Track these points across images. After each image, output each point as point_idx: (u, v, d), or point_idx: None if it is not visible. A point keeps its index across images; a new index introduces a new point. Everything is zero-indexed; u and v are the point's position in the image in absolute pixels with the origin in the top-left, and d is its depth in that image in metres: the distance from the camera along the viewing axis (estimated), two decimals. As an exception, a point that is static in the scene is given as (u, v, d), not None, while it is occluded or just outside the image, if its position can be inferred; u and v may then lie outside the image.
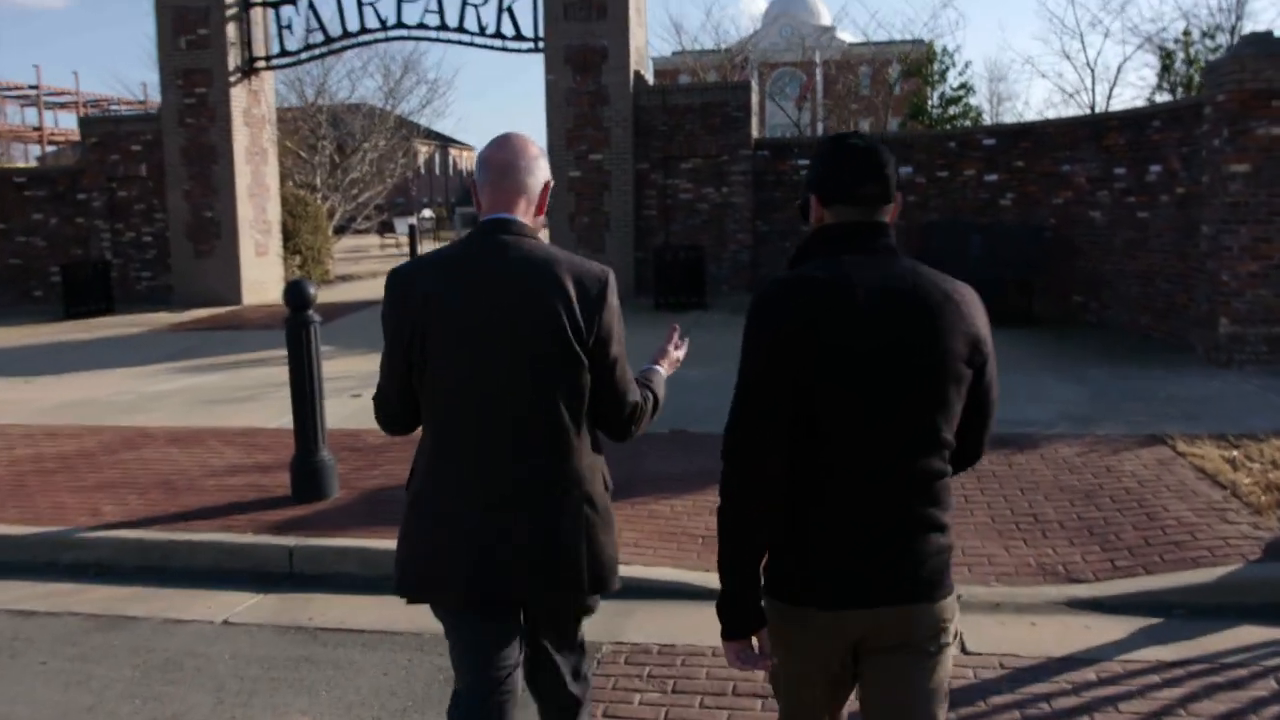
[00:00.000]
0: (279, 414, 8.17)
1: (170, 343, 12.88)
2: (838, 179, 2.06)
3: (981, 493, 5.71)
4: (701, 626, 4.19)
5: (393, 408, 2.46)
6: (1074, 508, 5.40)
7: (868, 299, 1.94)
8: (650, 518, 5.44)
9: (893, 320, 1.95)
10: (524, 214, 2.41)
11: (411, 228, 22.79)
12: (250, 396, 9.16)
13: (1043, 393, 8.22)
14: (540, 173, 2.45)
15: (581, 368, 2.33)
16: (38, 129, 47.30)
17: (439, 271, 2.39)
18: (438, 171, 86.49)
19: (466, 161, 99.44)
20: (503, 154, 2.42)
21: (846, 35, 37.78)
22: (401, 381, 2.39)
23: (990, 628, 4.18)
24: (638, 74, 14.94)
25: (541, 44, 15.05)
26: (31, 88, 50.82)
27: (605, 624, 4.30)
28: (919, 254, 13.87)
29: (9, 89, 52.02)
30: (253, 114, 16.55)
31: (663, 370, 2.72)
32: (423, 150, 77.42)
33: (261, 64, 16.42)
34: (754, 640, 2.05)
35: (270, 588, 5.01)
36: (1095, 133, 11.78)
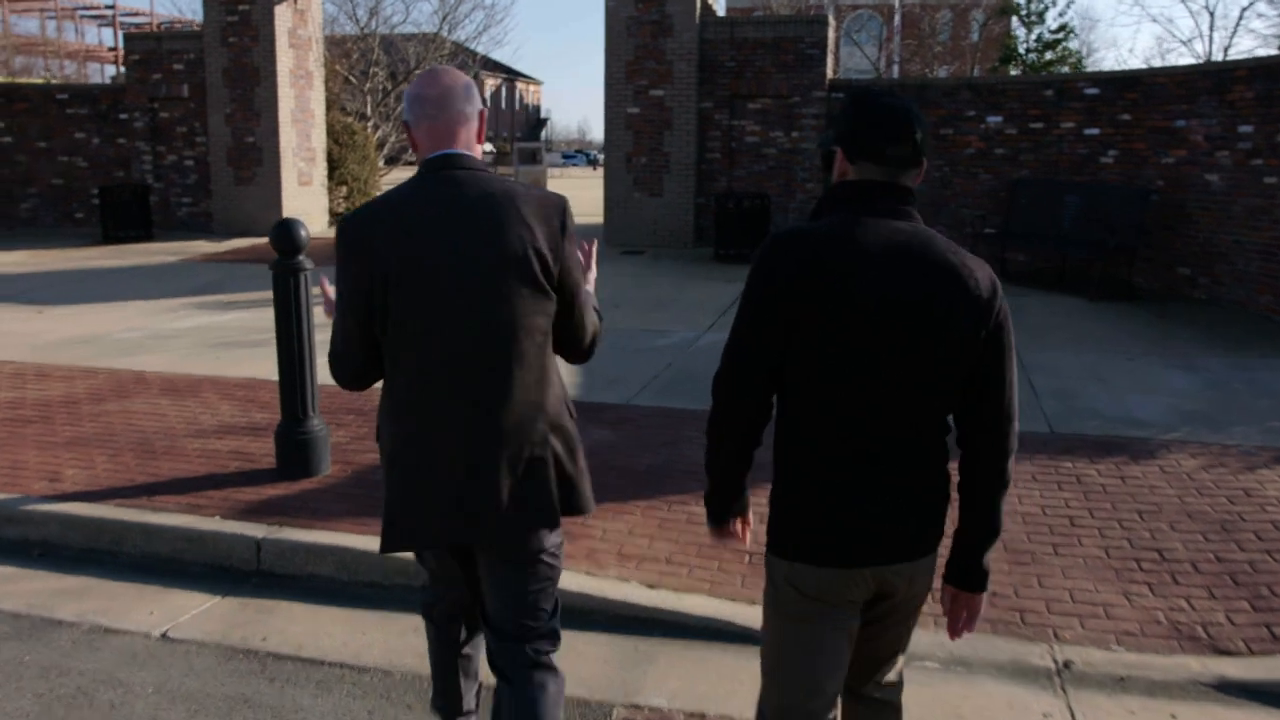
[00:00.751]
0: None
1: (199, 274, 12.20)
2: (867, 136, 2.03)
3: (1090, 514, 4.72)
4: (740, 683, 3.31)
5: (356, 363, 2.36)
6: (1209, 544, 4.39)
7: (873, 258, 1.95)
8: (688, 523, 4.56)
9: (895, 280, 1.95)
10: (468, 146, 2.33)
11: (465, 162, 21.89)
12: (263, 341, 8.39)
13: (1149, 382, 7.13)
14: (475, 101, 2.36)
15: (549, 300, 2.28)
16: (113, 49, 47.31)
17: (394, 214, 2.28)
18: (503, 105, 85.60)
19: (534, 96, 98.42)
20: (435, 88, 2.34)
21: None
22: (364, 332, 2.30)
23: (1118, 718, 3.22)
24: (705, 3, 13.76)
25: (604, -32, 13.92)
26: (108, 7, 50.57)
27: (620, 674, 3.44)
28: (1006, 213, 12.65)
29: (87, 8, 51.89)
30: (298, 34, 15.68)
31: (590, 289, 2.60)
32: (489, 83, 76.56)
33: (309, -19, 15.50)
34: (736, 523, 2.23)
35: (230, 588, 4.22)
36: (1217, 84, 10.41)
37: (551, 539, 2.39)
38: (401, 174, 31.46)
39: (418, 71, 20.30)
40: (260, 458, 5.41)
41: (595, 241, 2.80)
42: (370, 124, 19.58)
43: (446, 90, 2.32)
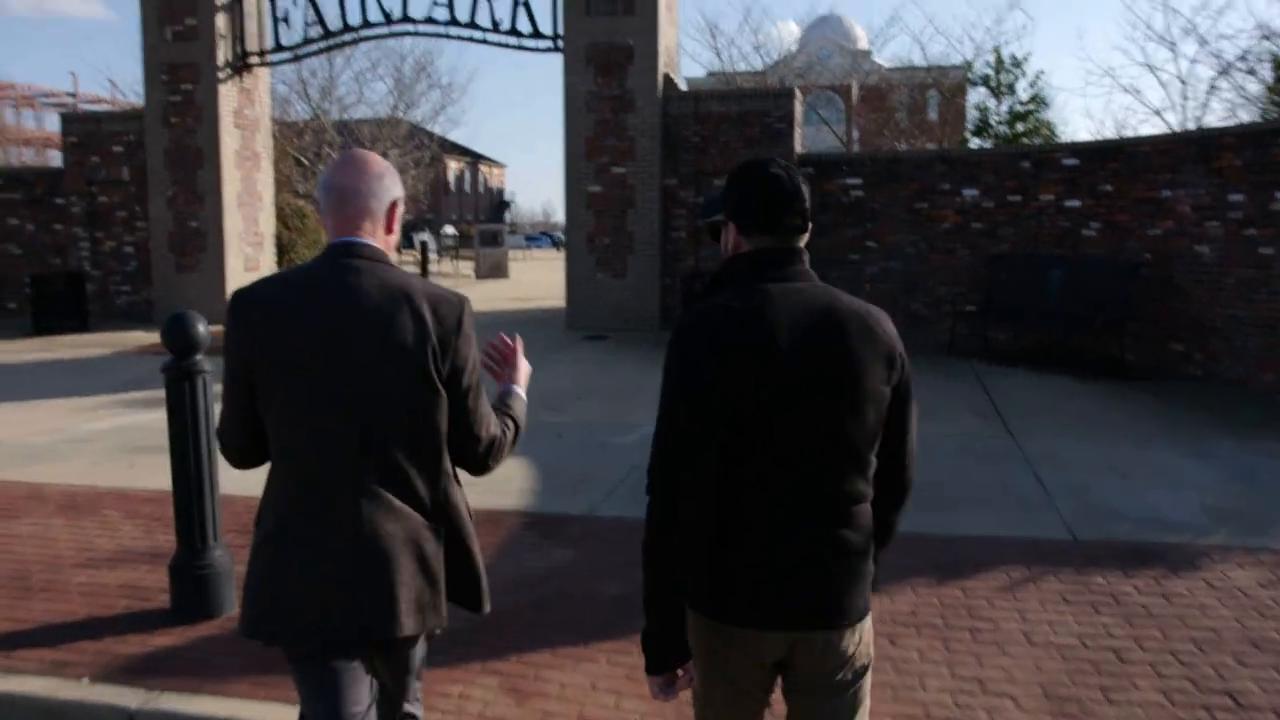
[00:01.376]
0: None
1: (130, 368, 11.34)
2: (760, 209, 2.04)
3: (1139, 645, 3.98)
4: None
5: (240, 440, 2.29)
6: (1290, 684, 3.66)
7: (789, 326, 1.96)
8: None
9: (814, 346, 1.97)
10: (371, 236, 2.26)
11: (423, 243, 21.26)
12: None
13: (1169, 474, 6.47)
14: (385, 193, 2.28)
15: (438, 397, 2.19)
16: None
17: (282, 294, 2.22)
18: (466, 189, 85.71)
19: (497, 179, 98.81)
20: (341, 176, 2.27)
21: (883, 60, 35.97)
22: (245, 411, 2.24)
23: None
24: (667, 77, 13.35)
25: (561, 42, 13.50)
26: (69, 95, 50.08)
27: None
28: (986, 289, 12.11)
29: (47, 95, 51.39)
30: (245, 115, 15.08)
31: (520, 389, 2.57)
32: (453, 166, 76.71)
33: (255, 59, 14.97)
34: (678, 671, 2.03)
35: (91, 778, 3.35)
36: (1202, 152, 10.01)
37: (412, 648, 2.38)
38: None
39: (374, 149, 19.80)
40: (155, 594, 4.56)
41: (518, 338, 2.65)
42: None
43: (354, 181, 2.26)
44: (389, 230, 2.31)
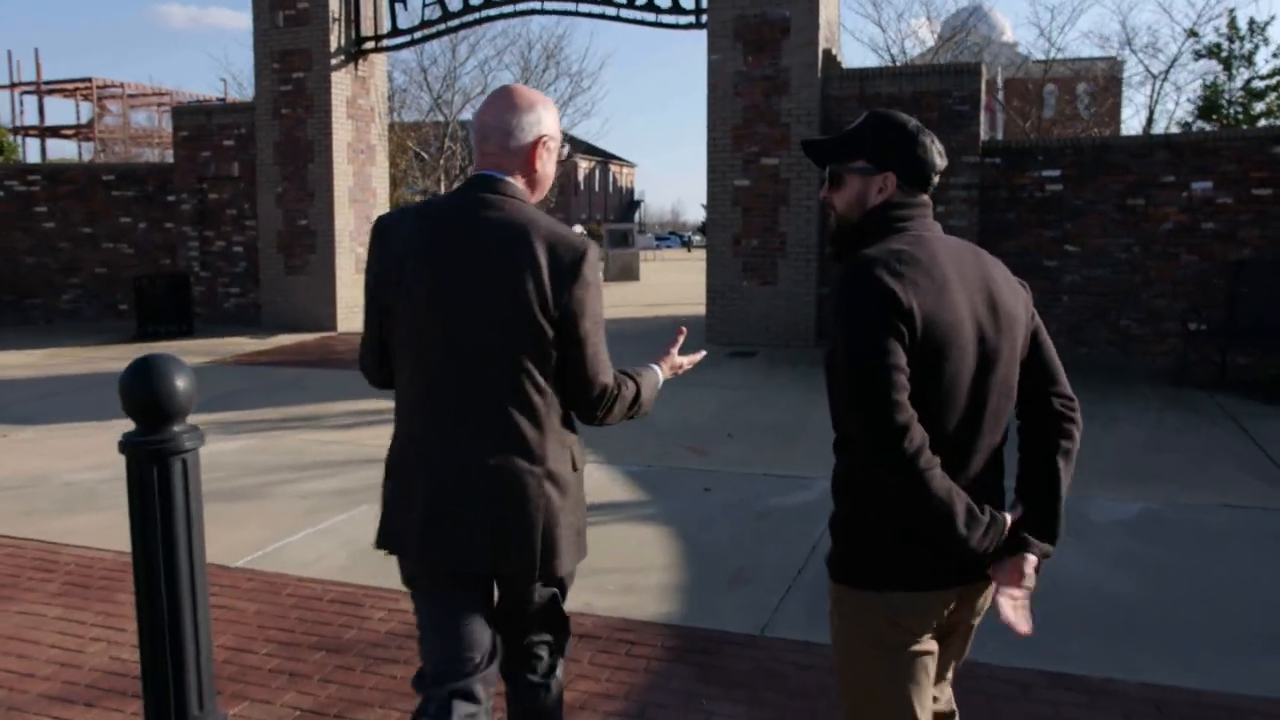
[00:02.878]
0: (287, 528, 5.34)
1: (222, 381, 10.18)
2: (926, 163, 2.02)
3: None
4: None
5: (369, 358, 2.35)
6: None
7: (958, 271, 1.93)
8: None
9: (976, 294, 1.93)
10: (508, 172, 2.23)
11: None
12: (255, 491, 6.19)
13: None
14: (527, 128, 2.22)
15: (546, 339, 2.15)
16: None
17: (416, 223, 2.24)
18: (596, 188, 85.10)
19: (627, 179, 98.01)
20: (485, 112, 2.27)
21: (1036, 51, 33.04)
22: (376, 332, 2.29)
23: None
24: (828, 54, 11.50)
25: (704, 17, 11.81)
26: (220, 100, 51.18)
27: None
28: (1223, 303, 9.85)
29: (199, 100, 52.61)
30: (359, 104, 13.91)
31: (659, 371, 2.56)
32: (583, 165, 76.02)
33: (370, 45, 13.77)
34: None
35: None
36: None
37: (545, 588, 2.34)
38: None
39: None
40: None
41: (683, 330, 2.71)
42: None
43: (495, 116, 2.23)
44: (531, 167, 2.23)
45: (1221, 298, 9.97)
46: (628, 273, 25.51)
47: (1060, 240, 10.99)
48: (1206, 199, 10.17)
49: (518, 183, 2.22)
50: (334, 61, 13.34)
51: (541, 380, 2.17)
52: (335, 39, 13.33)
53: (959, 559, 1.90)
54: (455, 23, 13.40)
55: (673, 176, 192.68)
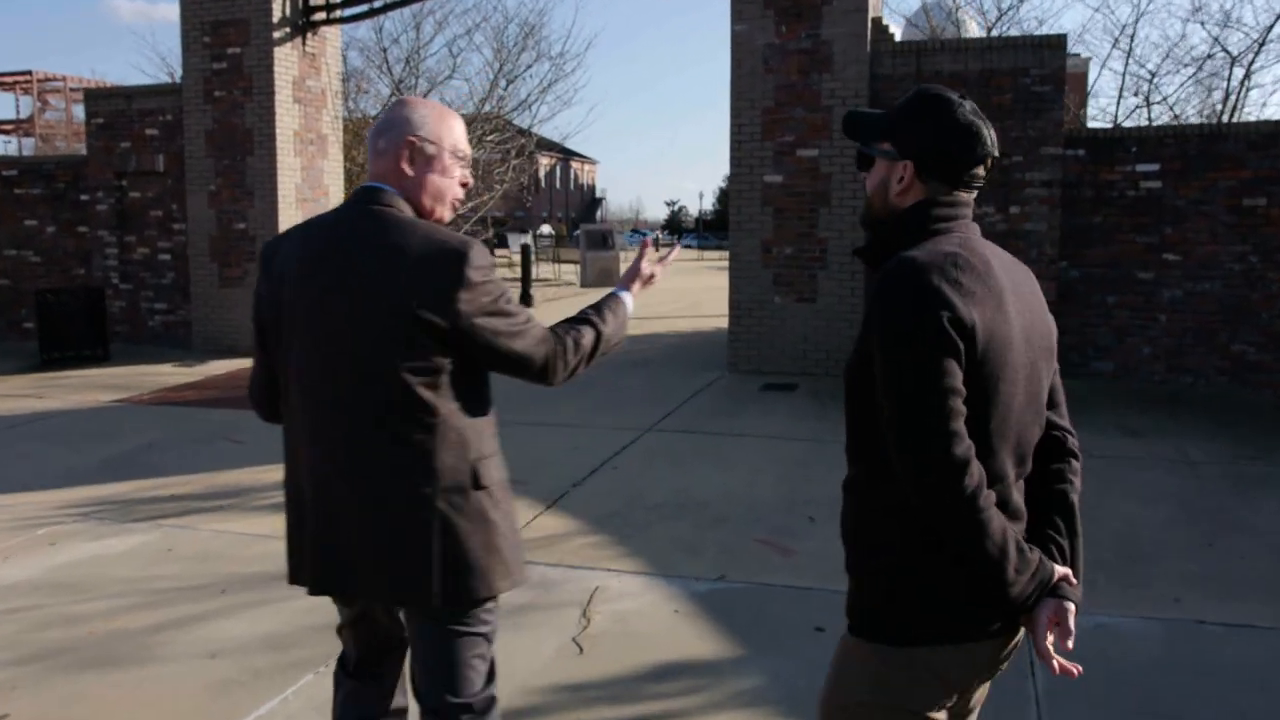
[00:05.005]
0: (217, 696, 3.18)
1: (134, 428, 8.02)
2: (958, 158, 1.75)
3: None
4: None
5: (259, 392, 2.33)
6: None
7: (1009, 283, 1.71)
8: None
9: (1026, 308, 1.74)
10: (386, 181, 2.16)
11: (525, 247, 17.85)
12: (147, 644, 4.10)
13: None
14: (393, 131, 2.16)
15: (433, 351, 2.06)
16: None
17: (296, 242, 2.18)
18: (558, 185, 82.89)
19: (589, 175, 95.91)
20: (374, 124, 2.26)
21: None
22: (264, 362, 2.27)
23: None
24: (878, 23, 9.56)
25: (727, -19, 9.82)
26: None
27: None
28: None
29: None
30: (308, 87, 11.75)
31: (628, 296, 2.46)
32: (544, 162, 73.82)
33: (320, 15, 11.60)
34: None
35: None
36: None
37: (466, 608, 2.19)
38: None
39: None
40: None
41: (647, 239, 2.63)
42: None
43: (375, 128, 2.22)
44: (400, 171, 2.15)
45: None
46: (607, 278, 23.38)
47: (1158, 247, 9.16)
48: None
49: (396, 191, 2.15)
50: (277, 35, 11.17)
51: (429, 396, 2.08)
52: (279, 7, 11.16)
53: (1004, 605, 1.68)
54: (422, -11, 11.29)
55: (631, 173, 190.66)
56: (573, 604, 4.44)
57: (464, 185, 2.25)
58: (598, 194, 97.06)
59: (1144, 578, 4.71)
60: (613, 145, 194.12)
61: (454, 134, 2.20)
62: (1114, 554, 4.99)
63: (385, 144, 2.15)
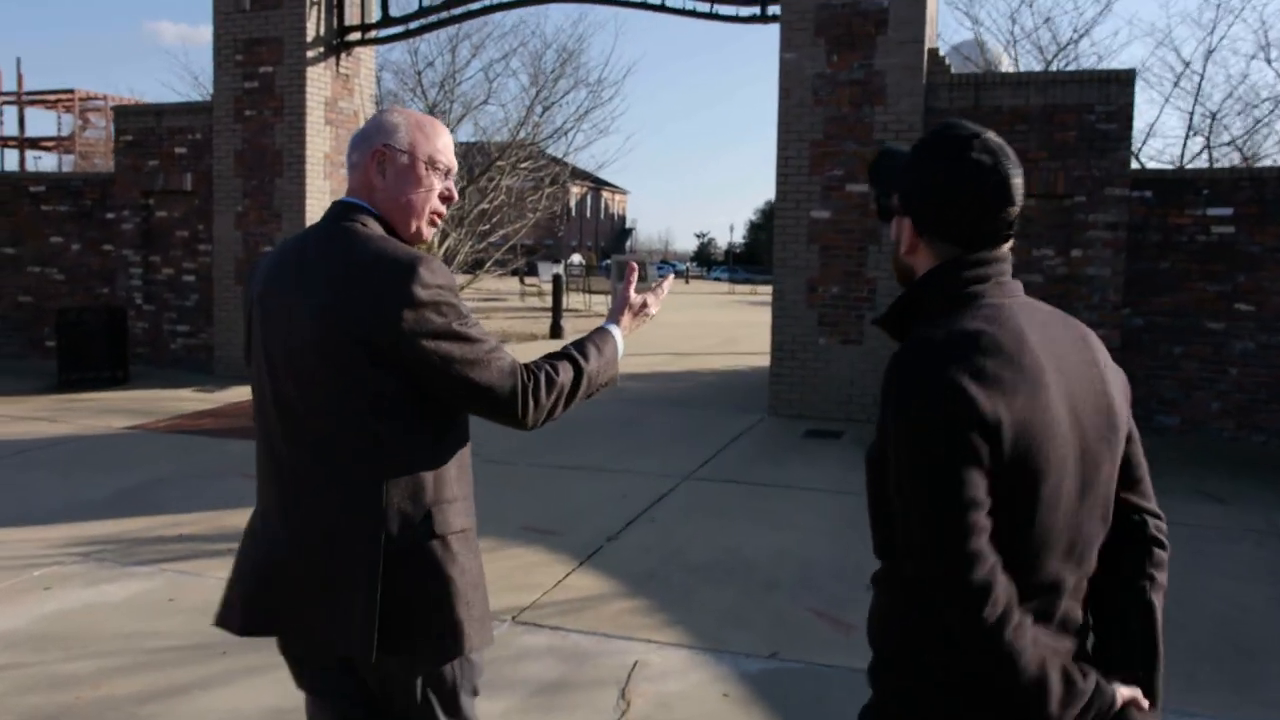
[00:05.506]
0: None
1: (147, 458, 7.64)
2: (963, 211, 1.49)
3: None
4: None
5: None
6: None
7: (1051, 359, 1.45)
8: None
9: (1079, 383, 1.48)
10: (357, 194, 2.02)
11: (557, 277, 17.47)
12: (154, 701, 3.68)
13: None
14: (365, 141, 2.01)
15: (380, 380, 1.87)
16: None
17: (270, 260, 2.06)
18: (588, 214, 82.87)
19: (619, 205, 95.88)
20: (351, 137, 2.10)
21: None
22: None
23: None
24: (934, 54, 9.14)
25: (773, 7, 9.45)
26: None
27: None
28: None
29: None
30: (340, 108, 11.47)
31: (616, 330, 2.23)
32: (575, 191, 73.80)
33: (355, 36, 11.34)
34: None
35: None
36: None
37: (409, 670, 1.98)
38: (490, 284, 27.41)
39: (500, 164, 15.97)
40: None
41: (633, 265, 2.31)
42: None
43: (351, 140, 2.07)
44: (369, 183, 2.00)
45: None
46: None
47: (1229, 296, 8.64)
48: None
49: (366, 205, 2.00)
50: (310, 54, 10.91)
51: (376, 429, 1.89)
52: (313, 27, 10.91)
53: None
54: (460, 10, 10.98)
55: (662, 205, 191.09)
56: (610, 682, 3.98)
57: (445, 199, 2.05)
58: (628, 224, 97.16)
59: (1257, 675, 4.18)
60: (643, 175, 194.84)
61: (431, 143, 2.02)
62: (1217, 643, 4.47)
63: (358, 156, 2.02)
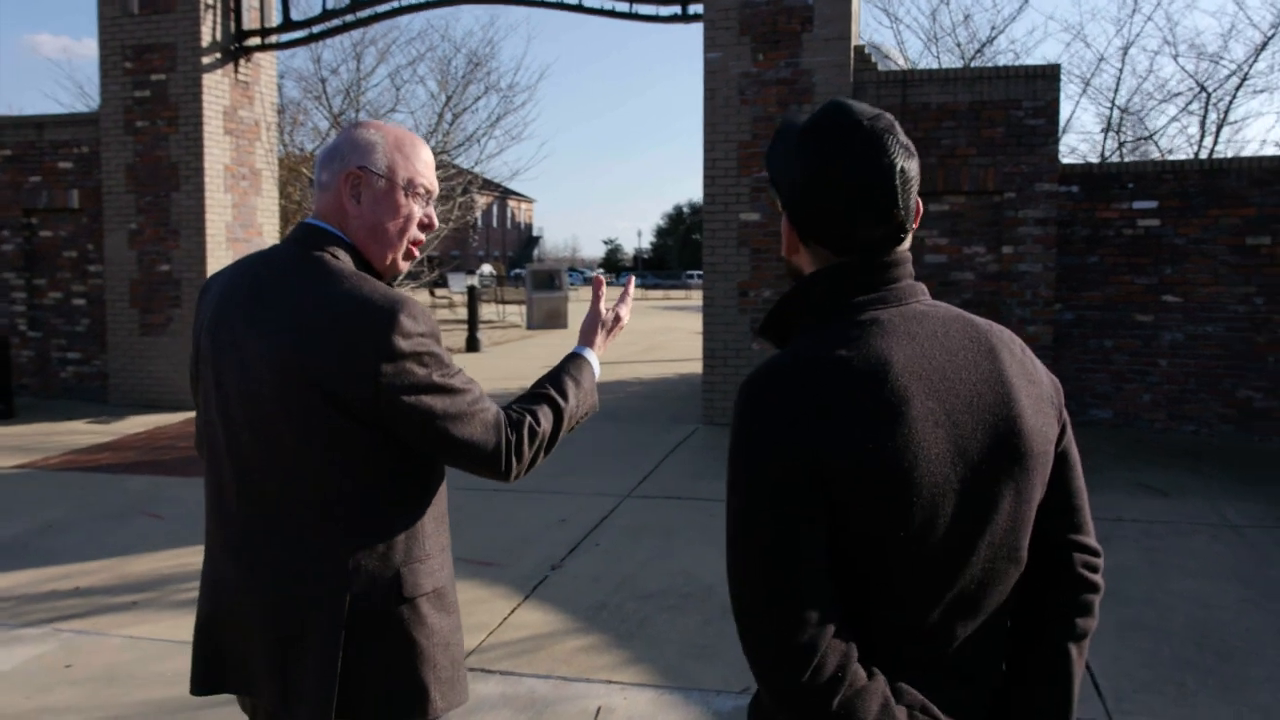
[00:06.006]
0: None
1: (38, 500, 6.97)
2: (842, 213, 1.28)
3: None
4: None
5: (198, 441, 1.94)
6: None
7: (926, 385, 1.23)
8: None
9: (969, 411, 1.25)
10: (326, 219, 1.80)
11: (472, 289, 16.96)
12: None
13: None
14: (338, 161, 1.80)
15: (348, 435, 1.68)
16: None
17: (223, 282, 1.83)
18: (495, 224, 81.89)
19: (525, 214, 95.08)
20: (321, 150, 1.93)
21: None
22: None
23: None
24: (860, 52, 9.00)
25: (695, 6, 9.21)
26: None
27: None
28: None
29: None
30: (240, 117, 10.84)
31: (591, 355, 2.06)
32: (480, 201, 72.85)
33: (255, 40, 10.73)
34: None
35: None
36: None
37: None
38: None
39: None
40: None
41: (600, 279, 2.12)
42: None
43: (320, 155, 1.87)
44: (341, 208, 1.79)
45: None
46: (555, 319, 22.58)
47: (1157, 289, 8.67)
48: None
49: (337, 232, 1.79)
50: (206, 60, 10.27)
51: (348, 486, 1.71)
52: (209, 31, 10.27)
53: None
54: (365, 13, 10.46)
55: (570, 210, 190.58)
56: (573, 734, 3.61)
57: (425, 226, 1.85)
58: (535, 233, 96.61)
59: (1244, 680, 4.02)
60: (549, 183, 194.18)
61: (411, 164, 1.82)
62: (1196, 648, 4.30)
63: (328, 176, 1.82)
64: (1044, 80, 8.56)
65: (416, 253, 1.87)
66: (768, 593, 1.20)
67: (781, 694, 1.20)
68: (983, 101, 8.63)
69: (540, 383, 1.97)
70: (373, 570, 1.75)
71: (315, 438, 1.70)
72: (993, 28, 26.93)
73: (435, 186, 1.87)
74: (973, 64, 15.14)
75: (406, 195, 1.81)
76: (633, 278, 2.34)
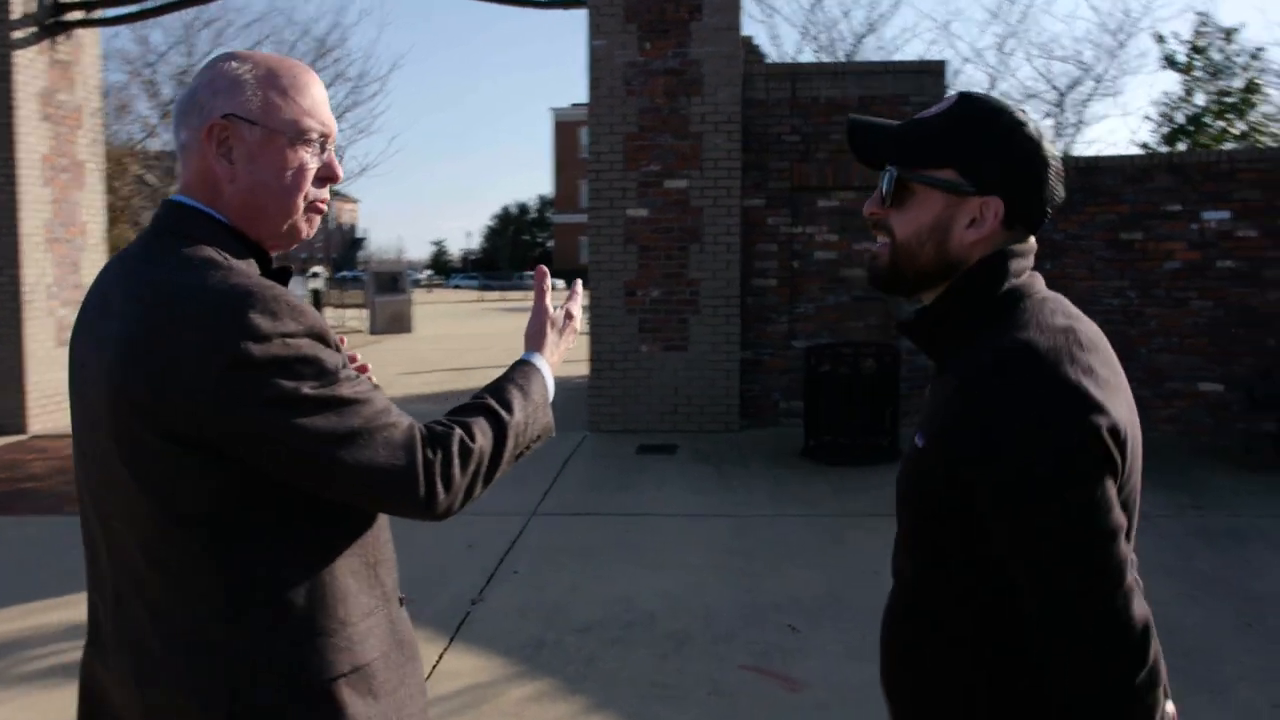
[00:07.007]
0: None
1: None
2: (1053, 191, 1.37)
3: None
4: None
5: None
6: None
7: (1117, 365, 1.32)
8: None
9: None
10: (203, 190, 1.38)
11: (316, 292, 15.93)
12: None
13: None
14: (196, 112, 1.38)
15: (200, 474, 1.27)
16: None
17: (88, 291, 1.45)
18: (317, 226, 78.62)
19: (349, 215, 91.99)
20: (175, 102, 1.48)
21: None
22: None
23: None
24: (747, 43, 8.76)
25: (577, -9, 8.77)
26: None
27: None
28: (1254, 361, 7.87)
29: None
30: (59, 101, 9.66)
31: (541, 362, 1.63)
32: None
33: (76, 14, 9.58)
34: None
35: None
36: None
37: None
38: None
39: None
40: None
41: (543, 272, 1.73)
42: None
43: (175, 110, 1.43)
44: (208, 171, 1.37)
45: (1247, 351, 8.08)
46: (399, 323, 21.59)
47: (1037, 285, 8.79)
48: (1223, 232, 8.26)
49: (203, 207, 1.38)
50: (18, 35, 9.07)
51: (217, 549, 1.28)
52: (20, 3, 9.07)
53: None
54: (205, -12, 9.50)
55: (395, 210, 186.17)
56: (548, 805, 3.12)
57: (326, 179, 1.43)
58: (359, 234, 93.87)
59: (1220, 680, 3.91)
60: (372, 182, 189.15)
61: (293, 102, 1.39)
62: (1166, 648, 4.18)
63: (188, 134, 1.38)
64: (931, 76, 8.54)
65: (320, 212, 1.45)
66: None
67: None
68: (872, 96, 8.54)
69: (478, 394, 1.56)
70: (263, 657, 1.32)
71: (162, 490, 1.28)
72: (869, 24, 27.55)
73: (333, 126, 1.43)
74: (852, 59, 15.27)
75: (293, 144, 1.39)
76: (580, 280, 1.96)
